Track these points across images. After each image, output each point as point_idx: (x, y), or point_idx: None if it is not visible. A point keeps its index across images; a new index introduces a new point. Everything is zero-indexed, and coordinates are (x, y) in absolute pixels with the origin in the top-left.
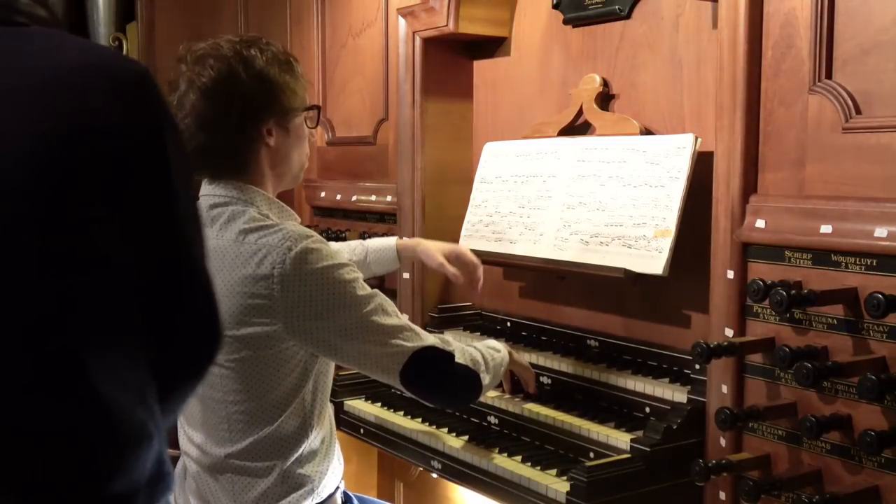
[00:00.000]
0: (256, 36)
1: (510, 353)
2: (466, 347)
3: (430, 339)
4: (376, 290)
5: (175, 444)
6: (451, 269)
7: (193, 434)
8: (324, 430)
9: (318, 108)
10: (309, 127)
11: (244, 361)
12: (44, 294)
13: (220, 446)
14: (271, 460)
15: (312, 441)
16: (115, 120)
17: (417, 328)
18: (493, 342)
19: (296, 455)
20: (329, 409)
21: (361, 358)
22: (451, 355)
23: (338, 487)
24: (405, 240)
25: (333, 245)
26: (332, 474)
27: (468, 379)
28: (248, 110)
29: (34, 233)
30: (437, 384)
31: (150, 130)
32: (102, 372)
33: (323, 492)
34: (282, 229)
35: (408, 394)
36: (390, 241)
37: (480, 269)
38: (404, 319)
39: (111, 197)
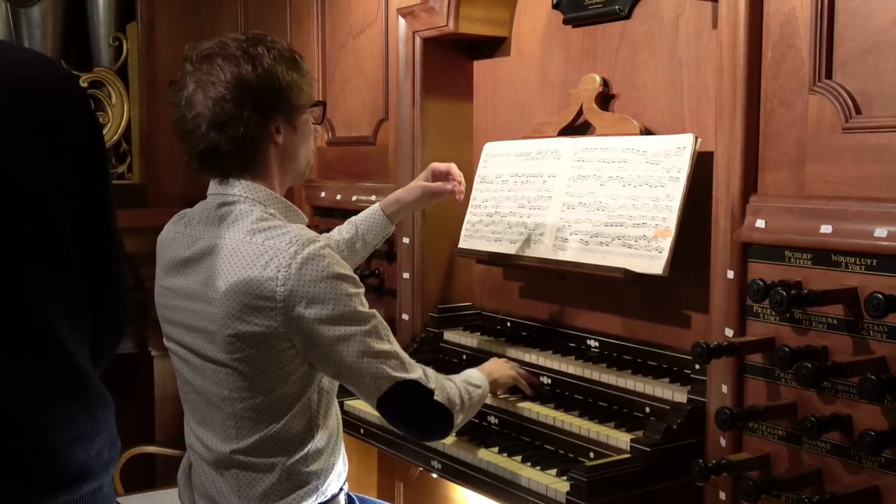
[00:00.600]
0: (262, 33)
1: (496, 380)
2: (447, 384)
3: (414, 371)
4: (374, 311)
5: (181, 442)
6: (434, 185)
7: (200, 431)
8: (330, 429)
9: (322, 104)
10: (314, 123)
11: (248, 360)
12: (21, 273)
13: (227, 443)
14: (277, 457)
15: (318, 441)
16: (63, 111)
17: (405, 357)
18: (474, 375)
19: (301, 453)
20: (336, 410)
21: (346, 372)
22: (430, 392)
23: (342, 489)
24: (384, 199)
25: (324, 234)
26: (337, 475)
27: (441, 417)
28: (257, 109)
29: (6, 217)
30: (411, 417)
31: (90, 120)
32: (73, 345)
33: (327, 491)
34: (289, 232)
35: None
36: (374, 207)
37: (454, 167)
38: (395, 346)
39: (63, 182)
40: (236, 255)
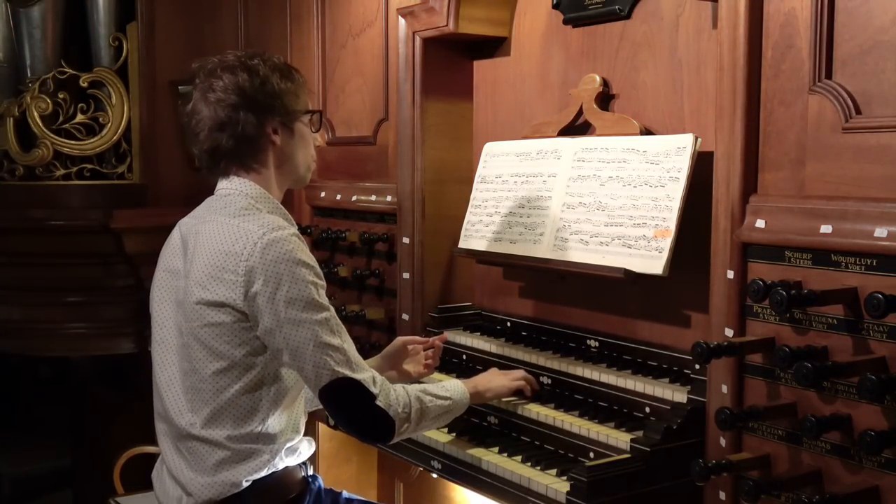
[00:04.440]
0: (258, 50)
1: (483, 392)
2: (395, 392)
3: (360, 372)
4: (331, 307)
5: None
6: (409, 338)
7: (165, 411)
8: (283, 422)
9: (319, 112)
10: (311, 130)
11: (207, 328)
12: None
13: (182, 417)
14: (226, 431)
15: (270, 426)
16: None
17: (354, 357)
18: (449, 386)
19: (251, 431)
20: (298, 409)
21: (291, 358)
22: (371, 395)
23: (302, 465)
24: None
25: None
26: (292, 452)
27: (380, 423)
28: (253, 111)
29: None
30: (349, 416)
31: None
32: None
33: (279, 464)
34: (264, 218)
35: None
36: None
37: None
38: (347, 345)
39: None
40: (215, 234)
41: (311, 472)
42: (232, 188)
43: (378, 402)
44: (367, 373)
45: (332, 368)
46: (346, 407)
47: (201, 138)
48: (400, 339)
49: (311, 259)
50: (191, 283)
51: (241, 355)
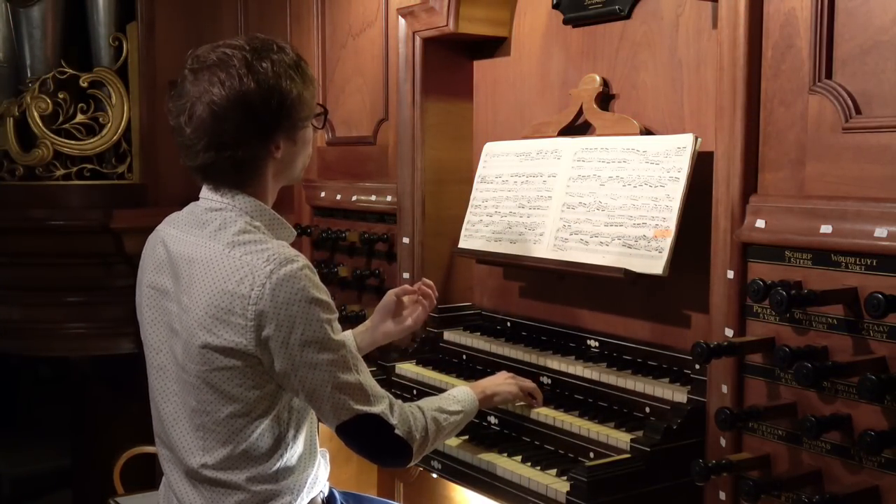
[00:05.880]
0: (267, 41)
1: (491, 396)
2: (412, 416)
3: (378, 404)
4: (344, 341)
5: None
6: (398, 288)
7: (172, 442)
8: (302, 446)
9: (325, 110)
10: (316, 128)
11: (216, 373)
12: None
13: (194, 456)
14: (245, 473)
15: (289, 458)
16: None
17: (371, 388)
18: (458, 396)
19: (271, 470)
20: (311, 427)
21: (308, 397)
22: (391, 427)
23: (320, 492)
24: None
25: None
26: (311, 486)
27: (399, 451)
28: (258, 131)
29: None
30: (368, 448)
31: None
32: None
33: (301, 503)
34: (267, 249)
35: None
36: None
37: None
38: (363, 376)
39: None
40: (213, 266)
41: (327, 493)
42: (224, 202)
43: (397, 432)
44: (384, 402)
45: (351, 407)
46: (366, 439)
47: (193, 152)
48: (391, 293)
49: (322, 293)
50: (191, 320)
51: (256, 397)
